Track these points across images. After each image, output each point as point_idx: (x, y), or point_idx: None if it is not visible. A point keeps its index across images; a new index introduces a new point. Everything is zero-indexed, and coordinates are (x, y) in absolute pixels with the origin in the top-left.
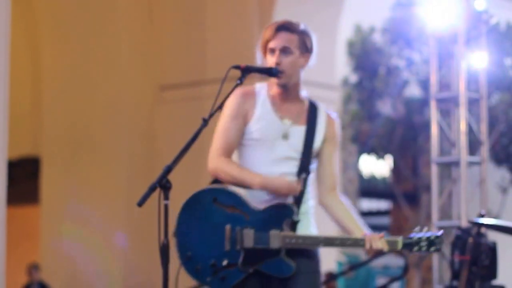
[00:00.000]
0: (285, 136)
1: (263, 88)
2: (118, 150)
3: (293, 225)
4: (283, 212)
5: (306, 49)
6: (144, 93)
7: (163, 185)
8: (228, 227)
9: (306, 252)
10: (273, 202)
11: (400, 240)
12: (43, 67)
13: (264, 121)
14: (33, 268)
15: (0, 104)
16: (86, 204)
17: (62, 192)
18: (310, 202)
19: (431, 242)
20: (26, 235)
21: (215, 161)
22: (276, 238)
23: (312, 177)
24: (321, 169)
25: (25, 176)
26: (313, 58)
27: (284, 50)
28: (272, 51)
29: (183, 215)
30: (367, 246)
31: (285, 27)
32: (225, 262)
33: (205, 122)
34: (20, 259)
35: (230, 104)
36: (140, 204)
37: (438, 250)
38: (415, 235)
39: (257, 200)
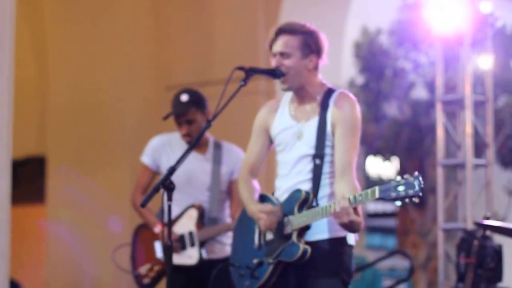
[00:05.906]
0: (299, 136)
1: (288, 96)
2: (124, 150)
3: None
4: (293, 197)
5: (310, 50)
6: (151, 93)
7: (167, 186)
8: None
9: (323, 246)
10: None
11: (376, 188)
12: (49, 66)
13: (282, 126)
14: None
15: (5, 102)
16: (91, 204)
17: (67, 192)
18: (330, 187)
19: (408, 184)
20: (31, 235)
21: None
22: (287, 223)
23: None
24: (334, 155)
25: (30, 176)
26: (324, 58)
27: (283, 54)
28: (274, 54)
29: (234, 231)
30: (332, 210)
31: (285, 29)
32: (255, 261)
33: (209, 123)
34: (24, 259)
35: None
36: (143, 204)
37: (417, 195)
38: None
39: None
